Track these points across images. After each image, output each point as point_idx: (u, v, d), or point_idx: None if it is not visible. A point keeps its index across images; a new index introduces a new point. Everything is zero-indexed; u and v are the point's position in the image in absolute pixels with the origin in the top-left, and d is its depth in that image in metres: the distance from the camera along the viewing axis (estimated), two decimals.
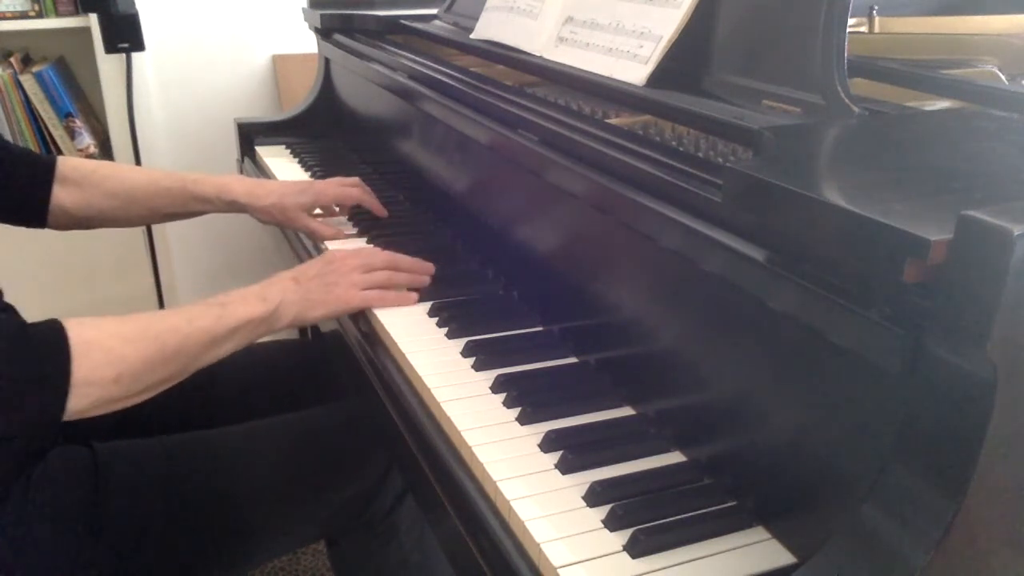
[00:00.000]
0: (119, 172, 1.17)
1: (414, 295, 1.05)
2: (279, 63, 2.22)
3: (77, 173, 1.12)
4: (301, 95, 1.90)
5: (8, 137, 1.96)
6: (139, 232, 2.12)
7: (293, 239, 1.36)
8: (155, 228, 2.12)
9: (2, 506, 0.87)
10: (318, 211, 1.31)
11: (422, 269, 1.08)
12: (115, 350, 0.81)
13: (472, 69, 1.28)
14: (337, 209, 1.34)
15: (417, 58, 1.35)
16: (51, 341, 0.77)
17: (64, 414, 0.78)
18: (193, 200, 1.19)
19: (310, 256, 1.24)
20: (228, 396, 1.17)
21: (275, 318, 0.95)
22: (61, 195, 1.11)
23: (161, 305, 2.18)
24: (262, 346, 1.35)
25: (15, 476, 0.89)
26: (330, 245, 1.23)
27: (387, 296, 1.04)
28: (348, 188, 1.28)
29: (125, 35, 1.91)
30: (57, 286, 2.17)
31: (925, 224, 0.50)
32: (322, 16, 1.69)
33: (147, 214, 1.19)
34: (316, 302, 0.99)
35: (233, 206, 1.21)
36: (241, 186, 1.21)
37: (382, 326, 1.00)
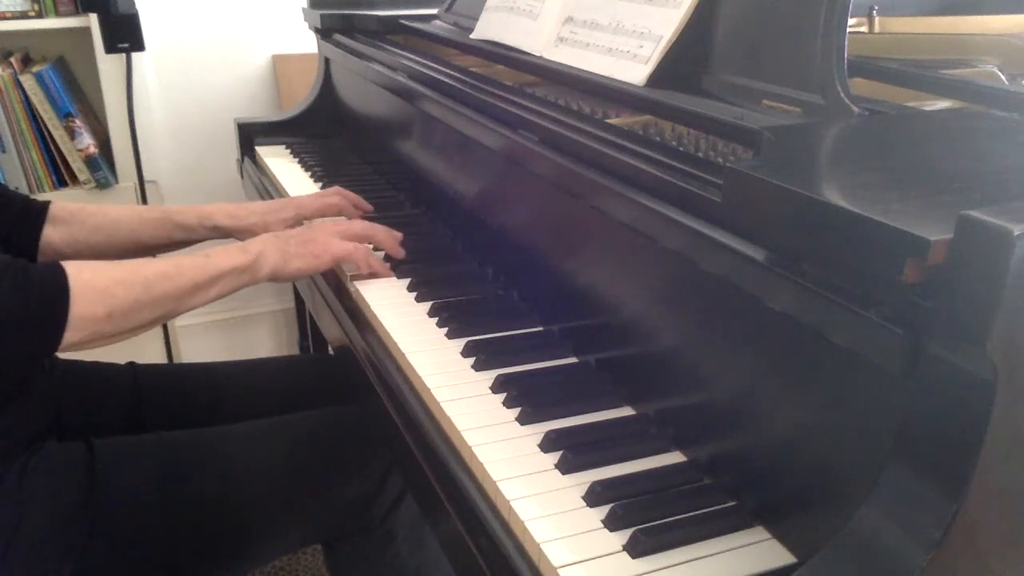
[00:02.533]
0: (104, 208, 1.21)
1: (387, 266, 1.14)
2: (279, 63, 2.22)
3: (65, 212, 1.16)
4: (301, 95, 1.90)
5: (8, 137, 1.97)
6: None
7: None
8: None
9: None
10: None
11: (394, 238, 1.15)
12: (108, 290, 0.88)
13: (472, 69, 1.28)
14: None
15: (417, 58, 1.35)
16: (52, 281, 0.85)
17: (61, 346, 0.86)
18: (176, 229, 1.22)
19: None
20: (233, 412, 1.17)
21: (256, 267, 1.02)
22: (51, 234, 1.15)
23: None
24: (269, 362, 1.36)
25: (14, 456, 0.92)
26: None
27: (359, 255, 1.10)
28: (328, 199, 1.29)
29: (125, 35, 1.91)
30: None
31: (925, 224, 0.50)
32: (322, 16, 1.69)
33: (133, 247, 1.22)
34: (294, 254, 1.05)
35: (216, 231, 1.24)
36: (223, 211, 1.24)
37: (382, 326, 1.00)
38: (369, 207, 1.31)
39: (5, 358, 0.87)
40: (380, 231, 1.14)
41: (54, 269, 0.85)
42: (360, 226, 1.13)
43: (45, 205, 1.15)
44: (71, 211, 1.16)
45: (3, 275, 0.82)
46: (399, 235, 1.16)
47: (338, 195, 1.30)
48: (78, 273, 0.86)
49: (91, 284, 0.86)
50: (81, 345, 0.88)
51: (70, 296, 0.84)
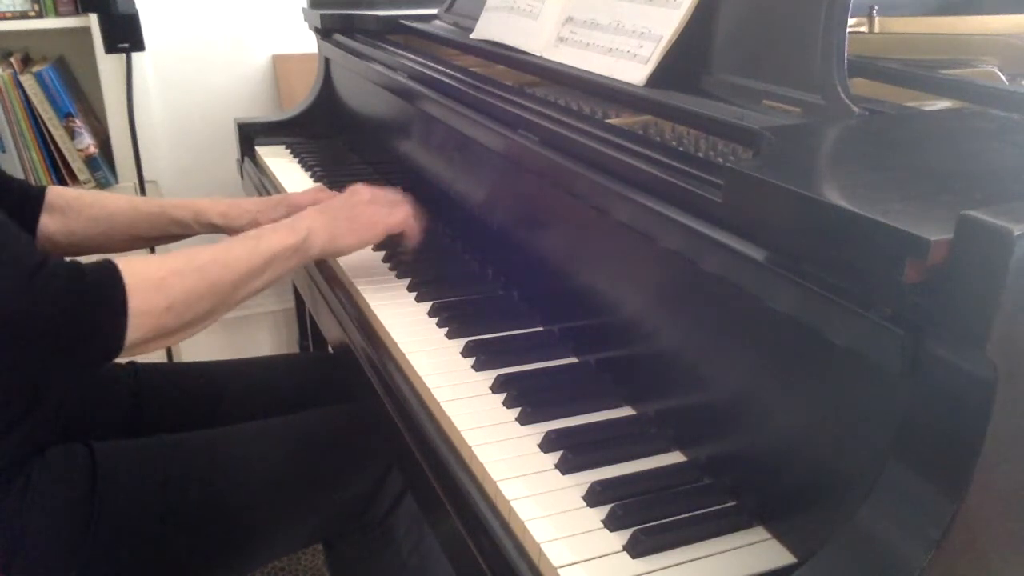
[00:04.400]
0: (101, 199, 1.20)
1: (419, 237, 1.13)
2: (279, 63, 2.22)
3: (61, 200, 1.15)
4: (301, 95, 1.90)
5: (8, 137, 1.97)
6: None
7: None
8: None
9: (1, 502, 0.88)
10: None
11: (420, 225, 1.14)
12: (165, 280, 0.86)
13: (472, 69, 1.28)
14: None
15: (417, 58, 1.35)
16: (107, 277, 0.82)
17: (125, 343, 0.83)
18: (172, 224, 1.22)
19: None
20: (233, 410, 1.17)
21: (306, 246, 1.00)
22: (47, 223, 1.14)
23: None
24: (269, 360, 1.36)
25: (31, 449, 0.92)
26: None
27: (410, 222, 1.09)
28: (322, 196, 1.29)
29: (125, 35, 1.91)
30: None
31: (925, 224, 0.50)
32: (322, 16, 1.69)
33: (129, 240, 1.21)
34: (344, 230, 1.04)
35: (211, 229, 1.24)
36: (216, 209, 1.23)
37: (382, 326, 1.00)
38: None
39: (69, 364, 0.84)
40: (412, 216, 1.12)
41: (106, 265, 0.83)
42: (404, 208, 1.10)
43: (42, 192, 1.14)
44: (68, 200, 1.15)
45: (56, 276, 0.80)
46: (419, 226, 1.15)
47: (329, 195, 1.30)
48: (130, 266, 0.83)
49: (145, 276, 0.84)
50: (146, 345, 0.85)
51: (127, 290, 0.82)
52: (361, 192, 1.09)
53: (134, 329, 0.82)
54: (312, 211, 1.04)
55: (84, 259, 0.86)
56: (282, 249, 0.97)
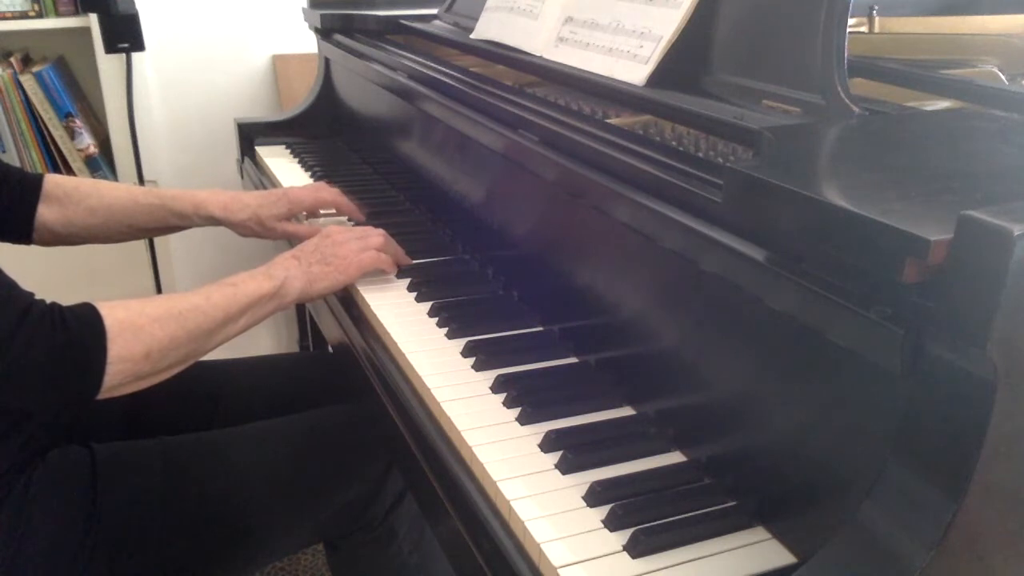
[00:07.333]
0: (99, 189, 1.19)
1: (407, 260, 1.15)
2: (279, 63, 2.22)
3: (60, 190, 1.15)
4: (301, 95, 1.90)
5: (8, 137, 1.97)
6: None
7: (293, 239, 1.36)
8: None
9: (1, 505, 0.88)
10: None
11: (403, 258, 1.15)
12: (144, 328, 0.86)
13: (472, 69, 1.28)
14: (333, 211, 1.34)
15: (417, 58, 1.35)
16: (88, 323, 0.83)
17: (101, 390, 0.83)
18: (172, 216, 1.21)
19: None
20: (233, 410, 1.17)
21: (282, 293, 1.00)
22: (45, 213, 1.14)
23: None
24: (268, 359, 1.36)
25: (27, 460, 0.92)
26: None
27: (382, 257, 1.09)
28: (323, 194, 1.29)
29: (125, 35, 1.91)
30: (56, 286, 2.15)
31: (925, 224, 0.50)
32: (322, 16, 1.69)
33: (127, 231, 1.21)
34: (318, 275, 1.04)
35: (211, 221, 1.23)
36: (217, 202, 1.22)
37: (382, 326, 1.00)
38: (362, 218, 1.31)
39: (47, 406, 0.85)
40: (392, 247, 1.12)
41: (89, 311, 0.84)
42: (376, 240, 1.10)
43: (39, 180, 1.14)
44: (66, 190, 1.15)
45: (41, 321, 0.81)
46: (407, 258, 1.15)
47: (333, 191, 1.30)
48: (112, 313, 0.84)
49: (127, 323, 0.84)
50: (121, 388, 0.85)
51: (107, 337, 0.82)
52: (334, 234, 1.09)
53: (112, 376, 0.83)
54: (287, 257, 1.04)
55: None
56: (259, 297, 0.97)
